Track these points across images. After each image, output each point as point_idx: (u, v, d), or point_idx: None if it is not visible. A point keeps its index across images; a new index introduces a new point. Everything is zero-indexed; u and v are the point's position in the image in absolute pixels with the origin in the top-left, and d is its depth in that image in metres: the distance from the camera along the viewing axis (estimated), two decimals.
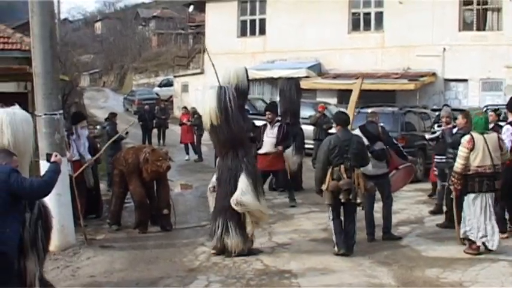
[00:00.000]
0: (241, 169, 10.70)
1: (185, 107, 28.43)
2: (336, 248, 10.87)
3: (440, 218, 13.23)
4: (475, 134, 10.68)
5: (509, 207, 12.17)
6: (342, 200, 10.74)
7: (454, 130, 13.09)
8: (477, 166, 10.58)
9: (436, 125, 15.39)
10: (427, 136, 15.37)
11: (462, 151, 10.64)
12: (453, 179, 10.89)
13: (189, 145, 25.50)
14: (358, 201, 10.81)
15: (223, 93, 10.67)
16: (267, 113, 15.59)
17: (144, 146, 16.30)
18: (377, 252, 11.02)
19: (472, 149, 10.55)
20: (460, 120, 12.70)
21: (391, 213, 12.10)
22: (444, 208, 13.35)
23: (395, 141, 12.57)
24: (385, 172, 11.96)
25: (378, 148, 11.69)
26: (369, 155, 11.59)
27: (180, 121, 27.00)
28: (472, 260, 10.44)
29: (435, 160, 14.63)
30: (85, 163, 13.41)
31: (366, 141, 11.68)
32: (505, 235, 11.79)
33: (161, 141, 29.47)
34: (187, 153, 25.24)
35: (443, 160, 13.77)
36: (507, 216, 12.23)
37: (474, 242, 10.80)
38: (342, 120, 11.24)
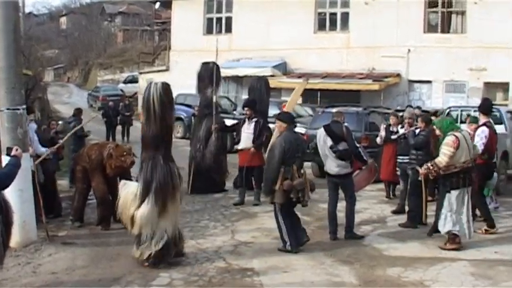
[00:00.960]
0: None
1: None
2: (288, 247, 11.00)
3: (403, 218, 13.35)
4: (457, 134, 11.11)
5: (477, 205, 12.54)
6: (294, 199, 10.92)
7: (417, 131, 13.39)
8: (463, 162, 11.03)
9: (399, 126, 15.51)
10: (392, 137, 15.48)
11: (449, 150, 10.92)
12: (431, 168, 11.17)
13: None
14: (306, 198, 11.06)
15: (147, 92, 10.12)
16: (246, 109, 15.78)
17: (107, 142, 16.21)
18: (339, 251, 11.07)
19: (457, 148, 10.92)
20: (420, 123, 13.20)
21: (354, 212, 12.15)
22: (406, 208, 13.51)
23: (357, 145, 12.60)
24: (348, 172, 12.03)
25: (341, 148, 11.75)
26: (333, 154, 11.71)
27: (139, 118, 26.87)
28: (433, 259, 10.56)
29: (398, 160, 14.75)
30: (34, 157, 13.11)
31: (329, 140, 11.78)
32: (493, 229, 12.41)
33: (125, 138, 29.31)
34: None
35: (406, 160, 13.94)
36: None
37: (457, 236, 11.10)
38: (291, 119, 11.52)
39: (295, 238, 11.06)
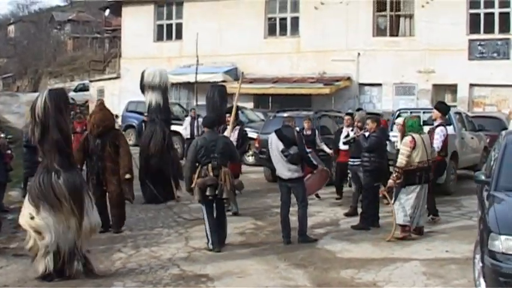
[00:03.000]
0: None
1: (79, 114, 27.12)
2: (210, 245, 11.50)
3: (355, 220, 13.46)
4: (414, 135, 11.96)
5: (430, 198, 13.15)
6: (208, 195, 11.46)
7: (366, 134, 13.56)
8: (418, 162, 11.89)
9: (349, 129, 15.64)
10: (342, 141, 15.68)
11: (405, 150, 11.83)
12: (395, 174, 11.89)
13: None
14: (224, 196, 11.59)
15: (36, 98, 9.88)
16: (228, 115, 15.53)
17: None
18: (293, 254, 11.13)
19: (413, 148, 11.81)
20: (371, 125, 13.45)
21: (306, 216, 12.22)
22: (359, 210, 13.63)
23: (307, 150, 12.70)
24: (300, 176, 12.08)
25: (292, 152, 11.80)
26: (284, 158, 11.77)
27: (73, 129, 25.22)
28: (386, 260, 10.68)
29: (349, 163, 14.87)
30: None
31: (281, 144, 11.85)
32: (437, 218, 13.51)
33: None
34: None
35: (357, 163, 14.08)
36: None
37: (405, 226, 12.00)
38: (210, 122, 12.28)
39: (217, 236, 11.59)
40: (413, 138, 11.87)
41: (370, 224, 13.05)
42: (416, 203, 11.96)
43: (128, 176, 12.70)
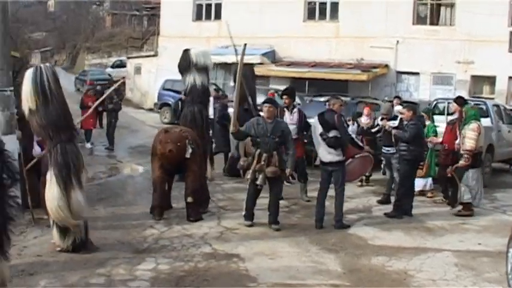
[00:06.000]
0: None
1: (93, 89, 27.04)
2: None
3: (388, 208, 13.43)
4: (479, 123, 13.24)
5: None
6: None
7: (396, 122, 13.75)
8: (480, 146, 13.35)
9: (379, 118, 15.65)
10: (372, 130, 15.78)
11: (474, 134, 12.97)
12: (467, 156, 12.90)
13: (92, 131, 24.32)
14: None
15: (39, 75, 9.73)
16: (284, 97, 15.20)
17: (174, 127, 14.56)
18: (324, 239, 11.17)
19: (479, 133, 13.00)
20: (407, 113, 13.35)
21: (343, 201, 12.25)
22: (392, 198, 13.59)
23: (349, 133, 12.69)
24: (340, 160, 12.05)
25: (331, 136, 11.77)
26: (323, 142, 11.78)
27: (82, 103, 24.78)
28: (418, 249, 10.67)
29: (383, 151, 14.86)
30: None
31: (320, 128, 11.85)
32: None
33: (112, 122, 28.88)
34: (88, 140, 23.80)
35: (391, 151, 14.07)
36: None
37: (470, 204, 13.28)
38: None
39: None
40: (479, 125, 13.09)
41: (403, 212, 13.01)
42: (477, 184, 13.20)
43: (189, 199, 12.35)
